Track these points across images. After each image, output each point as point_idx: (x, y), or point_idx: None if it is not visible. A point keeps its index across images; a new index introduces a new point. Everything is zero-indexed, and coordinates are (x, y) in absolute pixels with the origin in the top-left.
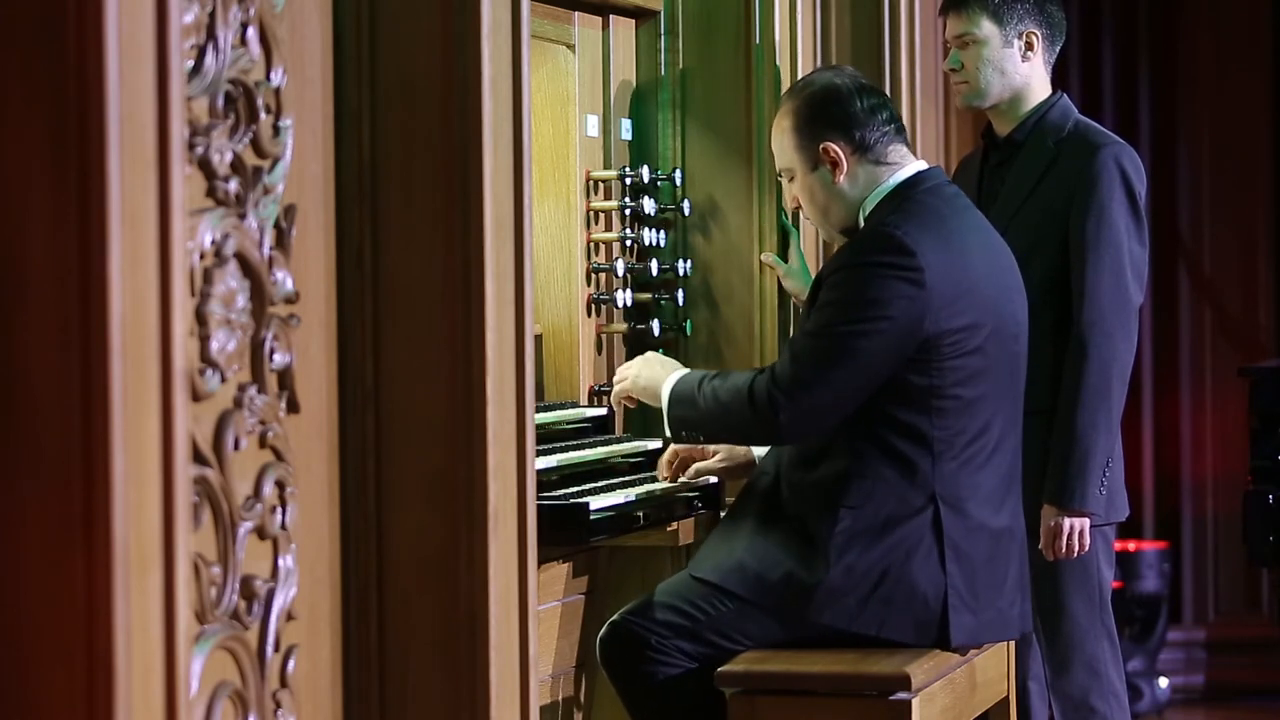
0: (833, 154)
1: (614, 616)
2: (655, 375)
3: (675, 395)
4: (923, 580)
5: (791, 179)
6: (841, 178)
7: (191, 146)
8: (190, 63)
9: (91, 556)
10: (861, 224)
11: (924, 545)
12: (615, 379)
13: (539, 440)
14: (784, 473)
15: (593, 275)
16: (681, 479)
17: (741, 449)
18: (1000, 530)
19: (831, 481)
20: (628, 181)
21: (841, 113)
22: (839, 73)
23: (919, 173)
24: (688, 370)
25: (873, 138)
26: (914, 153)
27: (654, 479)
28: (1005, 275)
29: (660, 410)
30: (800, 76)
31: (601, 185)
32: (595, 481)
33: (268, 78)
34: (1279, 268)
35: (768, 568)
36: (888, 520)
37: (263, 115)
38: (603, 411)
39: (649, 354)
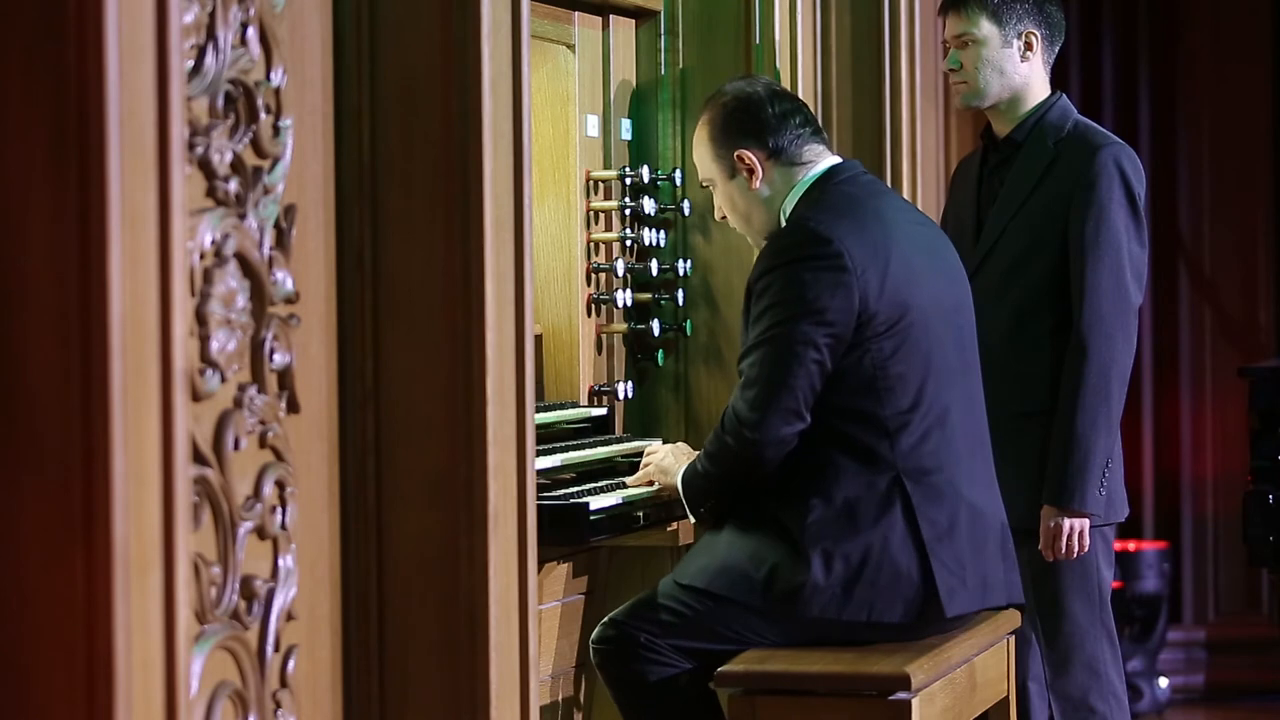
0: (748, 161)
1: (605, 618)
2: (674, 466)
3: (685, 479)
4: (903, 559)
5: (714, 188)
6: (758, 183)
7: (191, 146)
8: (190, 63)
9: (91, 556)
10: (783, 225)
11: (898, 524)
12: (645, 455)
13: (539, 440)
14: None
15: (593, 275)
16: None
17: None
18: (976, 503)
19: (796, 475)
20: (628, 181)
21: (753, 120)
22: (751, 81)
23: (834, 166)
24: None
25: (786, 141)
26: (832, 150)
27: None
28: (935, 252)
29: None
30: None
31: (601, 185)
32: (595, 481)
33: (268, 78)
34: (1279, 268)
35: (752, 566)
36: (856, 506)
37: (263, 115)
38: (603, 411)
39: (680, 445)
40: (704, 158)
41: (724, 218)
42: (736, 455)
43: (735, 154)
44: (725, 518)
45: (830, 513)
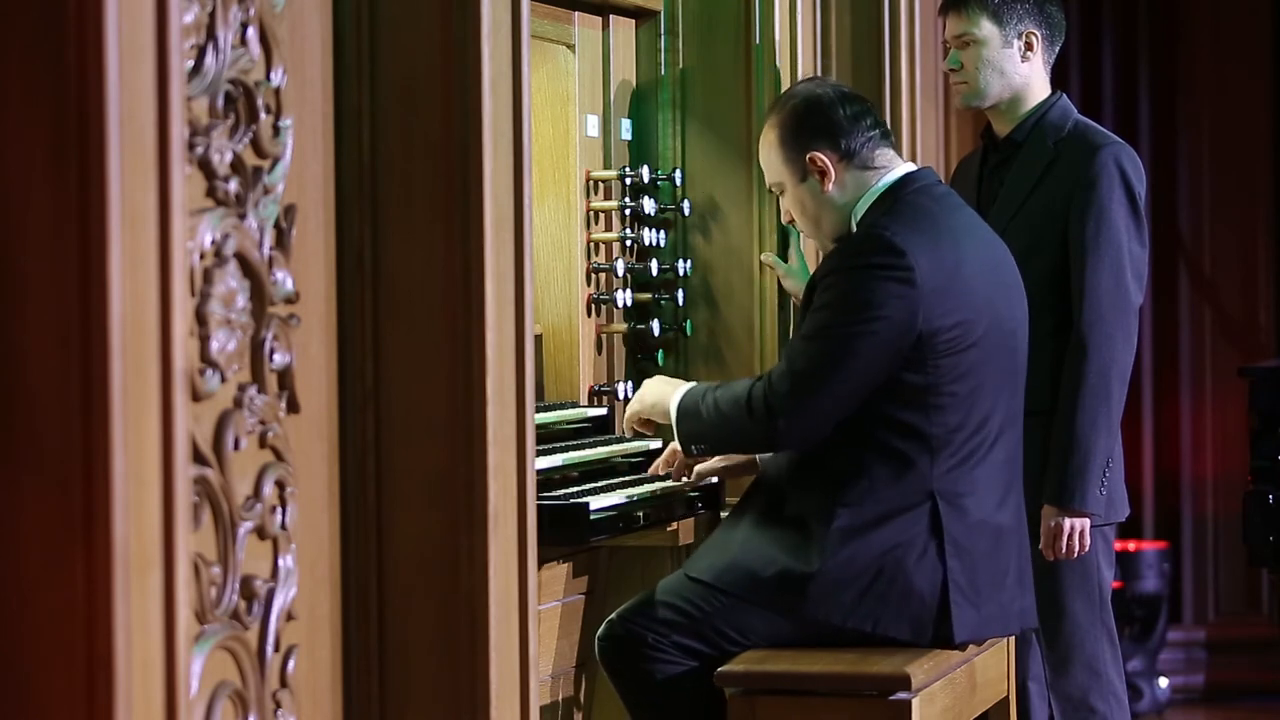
0: (820, 163)
1: (611, 615)
2: (663, 392)
3: (682, 409)
4: (919, 577)
5: (782, 192)
6: (830, 186)
7: (191, 146)
8: (190, 63)
9: (91, 556)
10: (854, 229)
11: (921, 542)
12: (629, 408)
13: (539, 440)
14: (785, 473)
15: (593, 275)
16: (685, 480)
17: None
18: (1001, 526)
19: (830, 480)
20: (628, 181)
21: (826, 122)
22: (820, 84)
23: (908, 174)
24: (694, 384)
25: (858, 144)
26: (901, 155)
27: (654, 479)
28: (1000, 270)
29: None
30: (790, 83)
31: (601, 185)
32: (595, 481)
33: (268, 78)
34: (1279, 268)
35: (761, 566)
36: (884, 517)
37: (263, 115)
38: (603, 411)
39: (656, 377)
40: (773, 161)
41: (791, 221)
42: (749, 436)
43: (808, 156)
44: (745, 512)
45: (857, 520)
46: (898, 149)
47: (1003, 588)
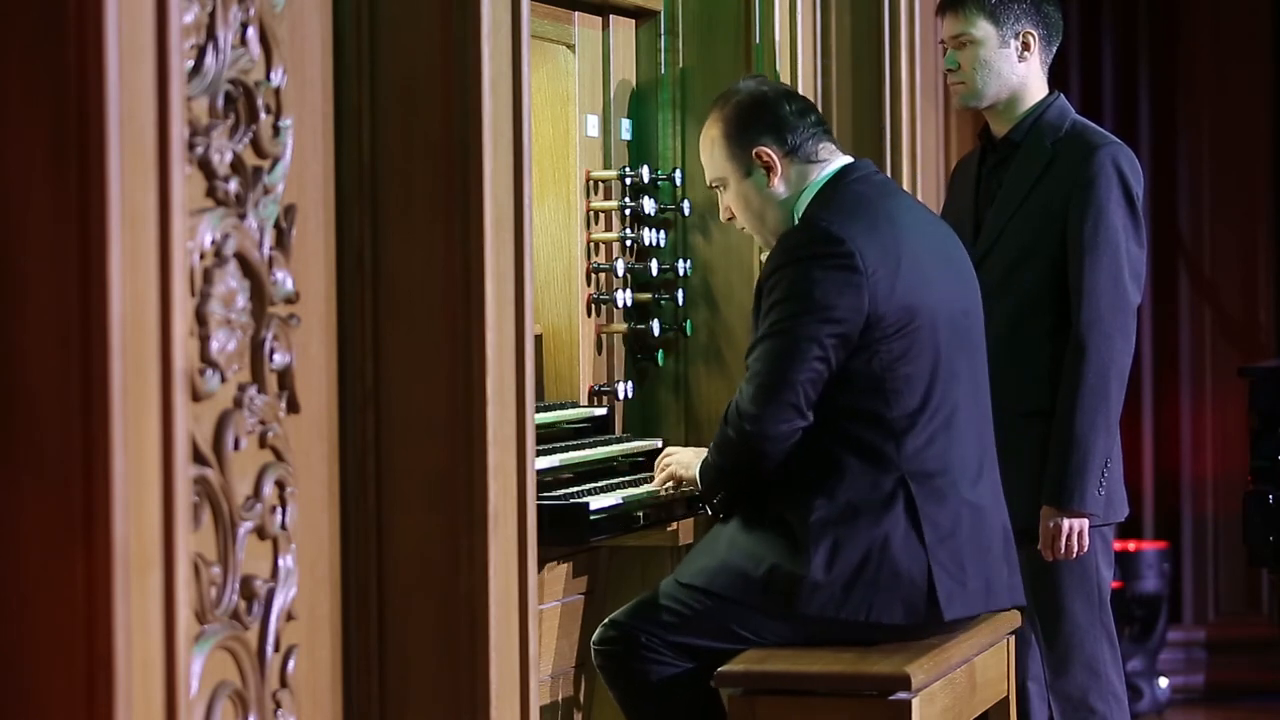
0: (765, 157)
1: (605, 619)
2: (694, 461)
3: (700, 469)
4: (904, 559)
5: (724, 188)
6: (776, 180)
7: (191, 146)
8: (190, 63)
9: (91, 556)
10: (796, 224)
11: (901, 525)
12: (664, 459)
13: (539, 440)
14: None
15: (593, 275)
16: (671, 487)
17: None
18: (979, 503)
19: (803, 477)
20: (628, 181)
21: (771, 116)
22: (760, 81)
23: (846, 165)
24: None
25: (802, 138)
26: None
27: (654, 479)
28: (944, 250)
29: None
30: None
31: (601, 185)
32: (595, 481)
33: (268, 78)
34: (1279, 268)
35: (752, 566)
36: (860, 506)
37: (263, 115)
38: (603, 411)
39: (684, 448)
40: (717, 157)
41: (730, 219)
42: (738, 448)
43: (754, 151)
44: (732, 515)
45: (834, 512)
46: (897, 149)
47: (988, 564)
